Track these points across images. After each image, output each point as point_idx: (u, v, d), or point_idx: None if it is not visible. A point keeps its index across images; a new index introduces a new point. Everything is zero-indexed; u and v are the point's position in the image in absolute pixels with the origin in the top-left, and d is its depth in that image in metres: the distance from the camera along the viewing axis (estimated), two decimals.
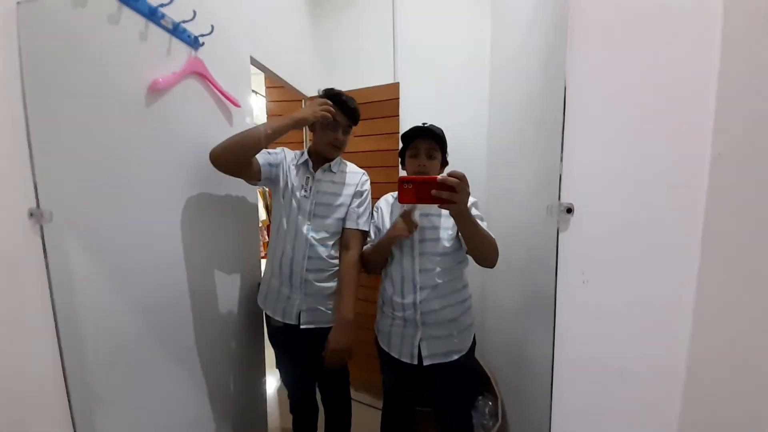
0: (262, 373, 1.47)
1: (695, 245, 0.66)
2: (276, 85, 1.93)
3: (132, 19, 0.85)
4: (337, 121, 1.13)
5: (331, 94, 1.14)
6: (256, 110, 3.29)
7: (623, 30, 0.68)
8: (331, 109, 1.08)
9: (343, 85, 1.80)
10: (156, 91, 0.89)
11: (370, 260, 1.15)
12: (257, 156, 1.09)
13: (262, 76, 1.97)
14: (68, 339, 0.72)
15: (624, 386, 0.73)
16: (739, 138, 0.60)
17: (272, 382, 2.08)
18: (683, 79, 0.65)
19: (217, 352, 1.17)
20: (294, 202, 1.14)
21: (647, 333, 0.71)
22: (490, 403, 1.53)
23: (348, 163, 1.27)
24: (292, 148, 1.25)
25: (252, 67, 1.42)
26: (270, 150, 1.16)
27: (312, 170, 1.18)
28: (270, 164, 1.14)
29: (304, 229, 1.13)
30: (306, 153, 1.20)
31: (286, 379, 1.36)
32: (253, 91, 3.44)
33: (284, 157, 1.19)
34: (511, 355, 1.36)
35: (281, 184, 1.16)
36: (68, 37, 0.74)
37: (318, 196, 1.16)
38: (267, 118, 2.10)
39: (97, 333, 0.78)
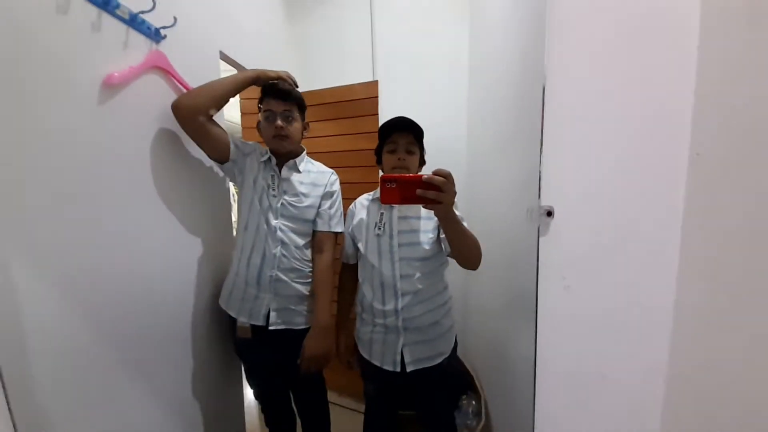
0: (239, 381, 1.41)
1: (675, 248, 0.67)
2: None
3: (83, 8, 0.77)
4: (272, 110, 1.08)
5: (262, 87, 1.11)
6: (230, 108, 3.17)
7: (601, 32, 0.68)
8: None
9: (321, 83, 1.77)
10: (111, 86, 0.81)
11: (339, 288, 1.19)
12: (228, 136, 1.07)
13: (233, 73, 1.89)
14: (8, 355, 0.64)
15: (606, 390, 0.73)
16: (717, 138, 0.60)
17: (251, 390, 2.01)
18: (661, 80, 0.66)
19: (187, 360, 1.10)
20: (262, 199, 1.10)
21: (628, 337, 0.71)
22: (474, 402, 1.53)
23: (315, 162, 1.23)
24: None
25: (224, 63, 1.34)
26: (245, 141, 1.14)
27: (276, 168, 1.14)
28: (239, 148, 1.12)
29: (274, 227, 1.09)
30: (269, 151, 1.16)
31: (258, 390, 1.30)
32: None
33: (255, 150, 1.15)
34: (494, 355, 1.36)
35: (250, 179, 1.12)
36: (11, 28, 0.66)
37: (285, 195, 1.12)
38: (241, 116, 2.01)
39: (42, 346, 0.70)
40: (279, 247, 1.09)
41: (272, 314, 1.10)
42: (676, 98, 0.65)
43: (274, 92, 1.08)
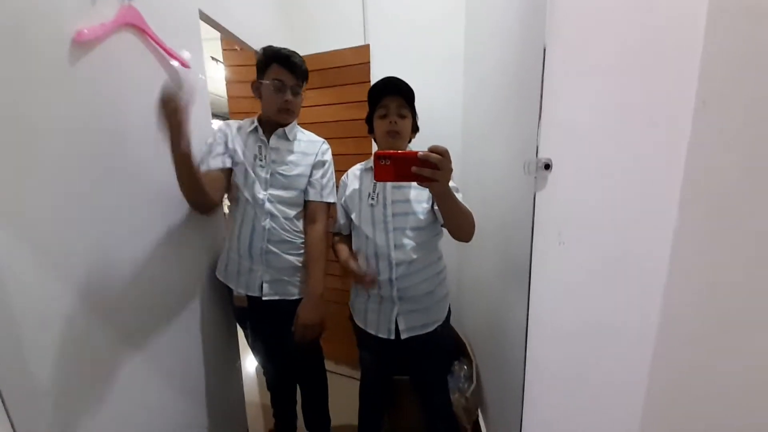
0: (236, 352, 1.43)
1: (673, 203, 0.66)
2: (233, 47, 1.75)
3: None
4: (283, 82, 1.05)
5: (270, 53, 1.05)
6: (216, 79, 3.01)
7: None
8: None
9: (309, 48, 1.68)
10: (81, 43, 0.75)
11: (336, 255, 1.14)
12: (210, 163, 1.05)
13: (218, 41, 1.78)
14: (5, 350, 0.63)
15: (598, 347, 0.75)
16: (723, 85, 0.58)
17: (253, 360, 2.05)
18: (663, 41, 0.63)
19: (182, 333, 1.10)
20: (250, 171, 1.08)
21: (622, 292, 0.72)
22: (465, 367, 1.59)
23: (305, 131, 1.20)
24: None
25: (207, 27, 1.26)
26: (214, 142, 1.09)
27: (264, 138, 1.11)
28: (223, 154, 1.08)
29: (262, 198, 1.08)
30: (255, 120, 1.13)
31: (259, 356, 1.35)
32: (212, 57, 3.17)
33: (228, 133, 1.11)
34: (486, 323, 1.39)
35: (239, 153, 1.09)
36: None
37: (274, 165, 1.10)
38: (226, 85, 1.92)
39: (34, 329, 0.69)
40: (268, 220, 1.08)
41: (265, 286, 1.11)
42: (681, 49, 0.62)
43: (289, 64, 1.04)
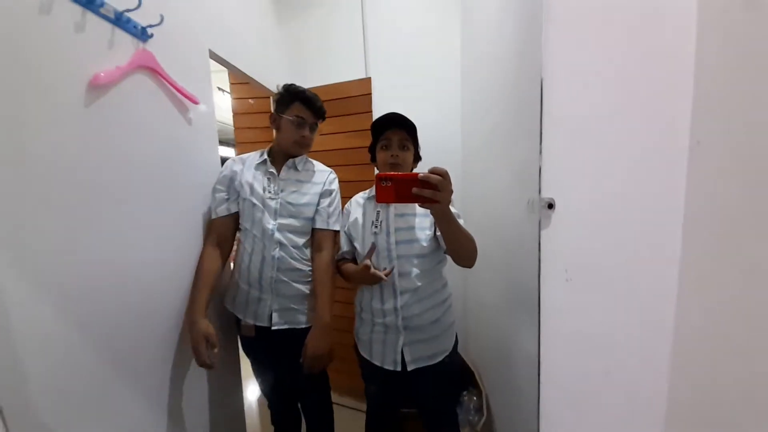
0: (239, 384, 1.39)
1: (677, 239, 0.66)
2: (240, 81, 1.83)
3: (66, 7, 0.75)
4: (304, 119, 1.11)
5: (294, 91, 1.12)
6: (223, 108, 3.13)
7: (597, 22, 0.66)
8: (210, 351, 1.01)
9: (314, 80, 1.75)
10: (97, 87, 0.79)
11: (345, 278, 1.13)
12: (217, 211, 1.12)
13: (225, 72, 1.86)
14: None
15: (610, 383, 0.72)
16: (717, 127, 0.59)
17: (254, 390, 2.00)
18: (659, 70, 0.65)
19: (185, 363, 1.08)
20: (259, 202, 1.10)
21: (631, 330, 0.71)
22: (475, 398, 1.53)
23: (314, 162, 1.24)
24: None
25: (216, 63, 1.32)
26: (218, 185, 1.14)
27: (273, 170, 1.15)
28: (227, 200, 1.13)
29: (271, 229, 1.09)
30: (266, 153, 1.18)
31: (264, 388, 1.31)
32: (218, 88, 3.30)
33: (236, 170, 1.14)
34: (495, 351, 1.36)
35: (246, 187, 1.12)
36: None
37: (284, 195, 1.13)
38: (233, 116, 1.99)
39: (35, 354, 0.68)
40: (277, 249, 1.09)
41: (274, 315, 1.11)
42: (675, 88, 0.64)
43: (311, 104, 1.12)
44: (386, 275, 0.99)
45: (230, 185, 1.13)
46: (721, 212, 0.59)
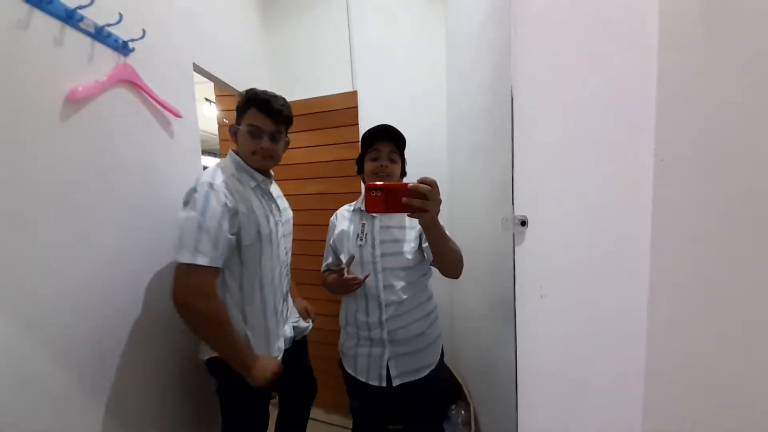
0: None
1: (646, 252, 0.68)
2: (226, 93, 1.82)
3: (45, 22, 0.74)
4: (259, 128, 0.96)
5: (248, 96, 0.97)
6: (211, 119, 3.11)
7: (565, 42, 0.69)
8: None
9: (300, 93, 1.76)
10: (75, 101, 0.78)
11: (328, 289, 1.12)
12: (219, 263, 0.86)
13: (211, 83, 1.85)
14: None
15: (586, 397, 0.73)
16: (679, 145, 0.62)
17: None
18: (623, 93, 0.67)
19: (161, 382, 1.04)
20: (263, 224, 0.98)
21: (605, 344, 0.72)
22: (463, 411, 1.52)
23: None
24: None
25: (199, 76, 1.32)
26: (210, 238, 0.85)
27: (264, 187, 1.06)
28: (221, 256, 0.87)
29: (284, 252, 1.12)
30: (258, 175, 1.03)
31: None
32: (206, 99, 3.29)
33: (240, 192, 0.95)
34: (481, 363, 1.35)
35: (245, 240, 0.94)
36: None
37: (278, 211, 1.10)
38: (218, 129, 1.98)
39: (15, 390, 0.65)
40: (286, 268, 1.14)
41: (288, 339, 1.15)
42: (639, 110, 0.67)
43: (268, 109, 0.95)
44: (362, 280, 0.98)
45: (238, 218, 0.96)
46: (686, 228, 0.61)
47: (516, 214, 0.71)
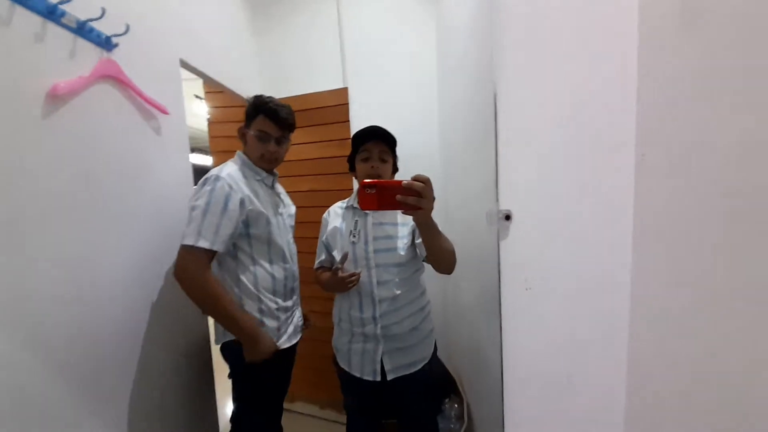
0: (213, 406, 1.34)
1: (629, 247, 0.69)
2: (215, 90, 1.80)
3: (26, 18, 0.72)
4: (268, 133, 1.06)
5: (258, 104, 1.06)
6: (200, 115, 3.06)
7: (548, 38, 0.70)
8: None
9: (291, 90, 1.75)
10: (56, 97, 0.76)
11: (322, 286, 1.13)
12: (220, 248, 0.93)
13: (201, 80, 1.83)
14: None
15: (572, 387, 0.75)
16: (660, 140, 0.63)
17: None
18: (605, 90, 0.68)
19: (153, 381, 1.03)
20: (272, 222, 1.07)
21: (590, 337, 0.73)
22: (456, 405, 1.54)
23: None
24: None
25: (189, 71, 1.30)
26: (221, 221, 0.93)
27: (269, 184, 1.15)
28: (229, 239, 0.96)
29: (291, 245, 1.18)
30: (264, 172, 1.12)
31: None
32: (195, 95, 3.24)
33: (240, 190, 0.99)
34: (474, 358, 1.37)
35: (254, 229, 1.04)
36: None
37: (284, 208, 1.18)
38: (208, 125, 1.95)
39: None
40: (295, 255, 1.20)
41: (296, 328, 1.19)
42: (621, 105, 0.67)
43: (276, 117, 1.06)
44: (356, 278, 1.00)
45: (249, 211, 1.06)
46: (669, 221, 0.62)
47: (501, 208, 0.71)
